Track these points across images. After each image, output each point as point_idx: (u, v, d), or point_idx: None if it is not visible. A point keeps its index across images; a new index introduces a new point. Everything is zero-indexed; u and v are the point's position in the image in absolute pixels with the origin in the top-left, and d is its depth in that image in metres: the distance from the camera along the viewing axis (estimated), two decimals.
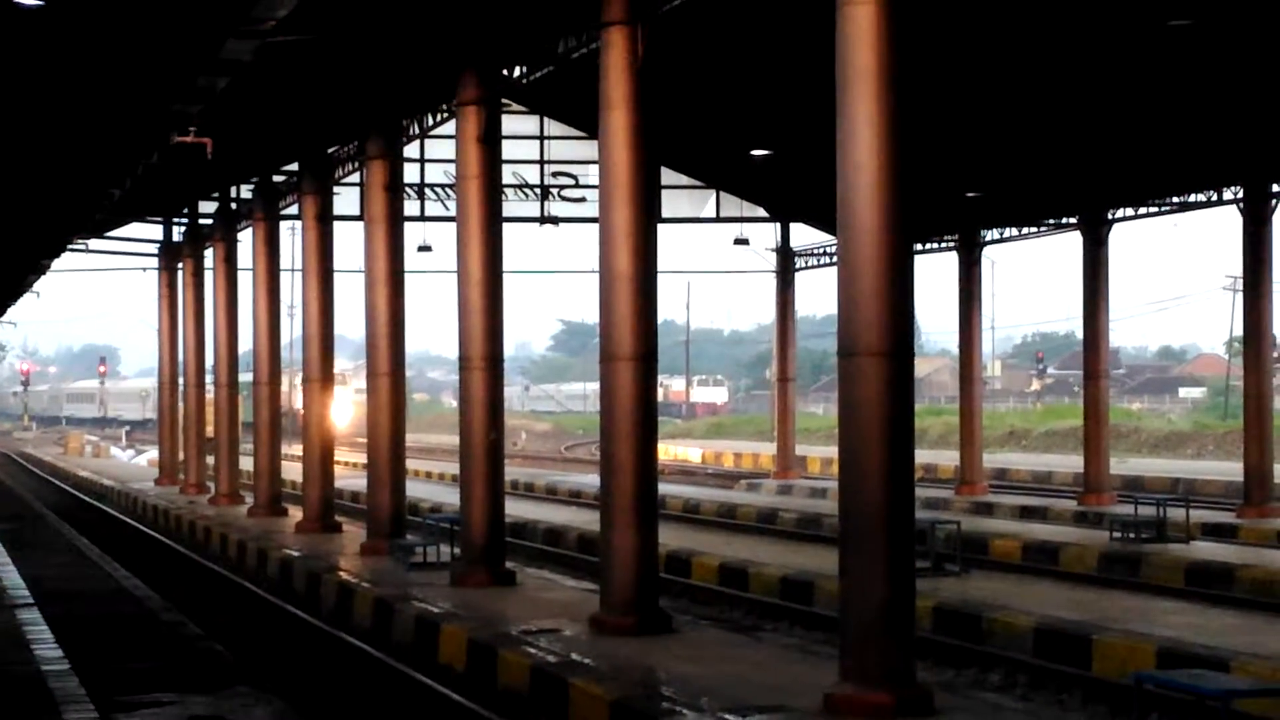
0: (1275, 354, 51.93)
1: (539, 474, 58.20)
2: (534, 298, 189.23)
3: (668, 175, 43.15)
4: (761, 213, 47.33)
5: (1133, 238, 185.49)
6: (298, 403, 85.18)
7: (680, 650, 18.32)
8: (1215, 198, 37.09)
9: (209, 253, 44.55)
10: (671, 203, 44.43)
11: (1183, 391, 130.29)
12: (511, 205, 41.60)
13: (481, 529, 24.25)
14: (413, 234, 40.52)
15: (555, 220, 44.24)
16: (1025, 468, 57.35)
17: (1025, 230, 43.42)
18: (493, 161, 24.20)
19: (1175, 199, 38.45)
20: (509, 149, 30.37)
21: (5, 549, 31.54)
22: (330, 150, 33.61)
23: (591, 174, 41.25)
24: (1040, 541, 30.58)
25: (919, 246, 44.04)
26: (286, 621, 23.47)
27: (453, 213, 27.27)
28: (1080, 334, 43.18)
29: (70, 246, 45.43)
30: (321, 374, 34.11)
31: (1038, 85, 30.91)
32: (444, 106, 28.59)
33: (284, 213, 38.78)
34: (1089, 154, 35.52)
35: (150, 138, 25.65)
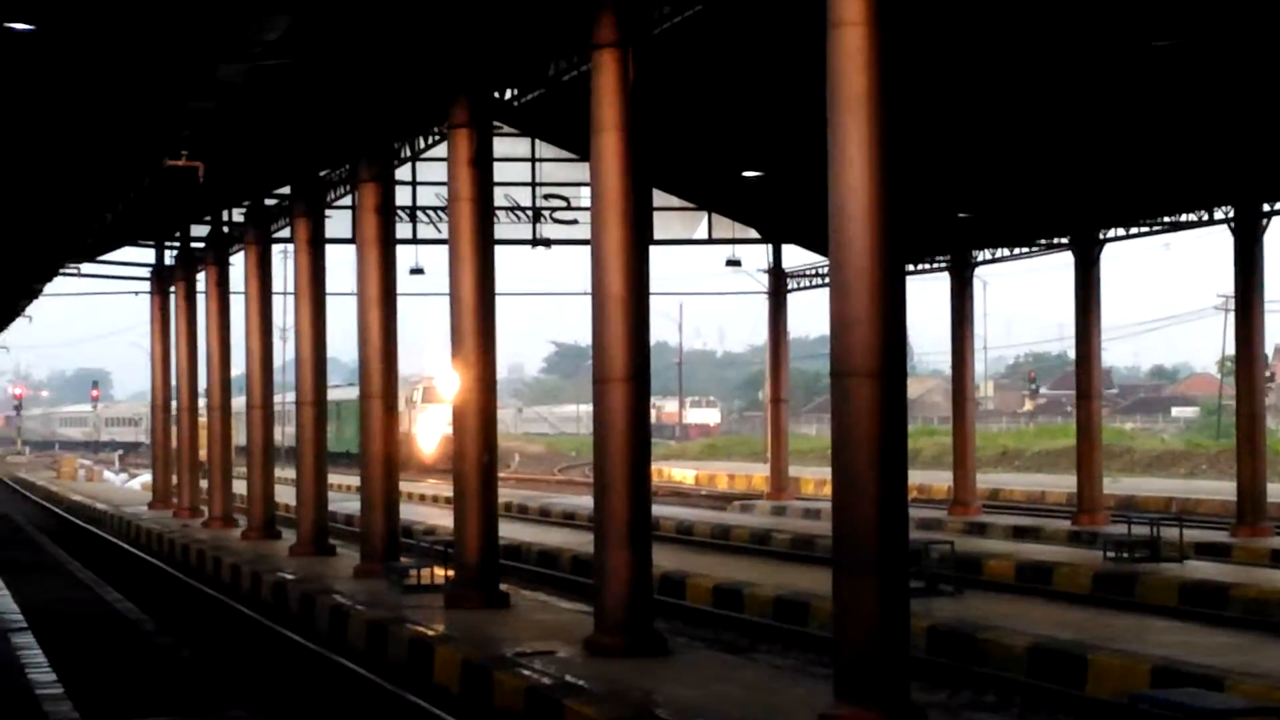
0: (1267, 373, 52.01)
1: (533, 496, 58.16)
2: (527, 320, 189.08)
3: (659, 197, 43.20)
4: (753, 234, 47.36)
5: (1124, 258, 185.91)
6: (412, 425, 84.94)
7: (674, 672, 18.31)
8: (1206, 217, 37.09)
9: (201, 276, 44.55)
10: (663, 224, 44.44)
11: (1175, 411, 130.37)
12: (503, 227, 41.70)
13: (475, 551, 24.22)
14: (405, 256, 40.50)
15: (547, 242, 44.28)
16: (1018, 488, 57.35)
17: (1017, 251, 43.44)
18: (484, 184, 24.20)
19: (1166, 219, 38.46)
20: (501, 171, 30.40)
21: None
22: (322, 173, 33.63)
23: (583, 196, 41.35)
24: (1034, 562, 30.55)
25: (911, 267, 44.10)
26: (280, 644, 23.44)
27: (445, 235, 27.27)
28: (1073, 354, 43.18)
29: (62, 270, 45.50)
30: (315, 397, 34.07)
31: (1028, 106, 30.97)
32: (435, 129, 28.62)
33: (276, 236, 38.77)
34: (1080, 174, 35.57)
35: (142, 161, 25.71)
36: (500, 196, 40.19)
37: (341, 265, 37.68)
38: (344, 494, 51.80)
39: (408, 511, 44.74)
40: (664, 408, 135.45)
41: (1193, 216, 37.54)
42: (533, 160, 43.61)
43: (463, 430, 24.30)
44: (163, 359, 50.90)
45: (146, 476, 69.27)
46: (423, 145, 29.79)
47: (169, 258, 48.79)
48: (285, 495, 42.41)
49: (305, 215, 33.52)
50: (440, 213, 42.24)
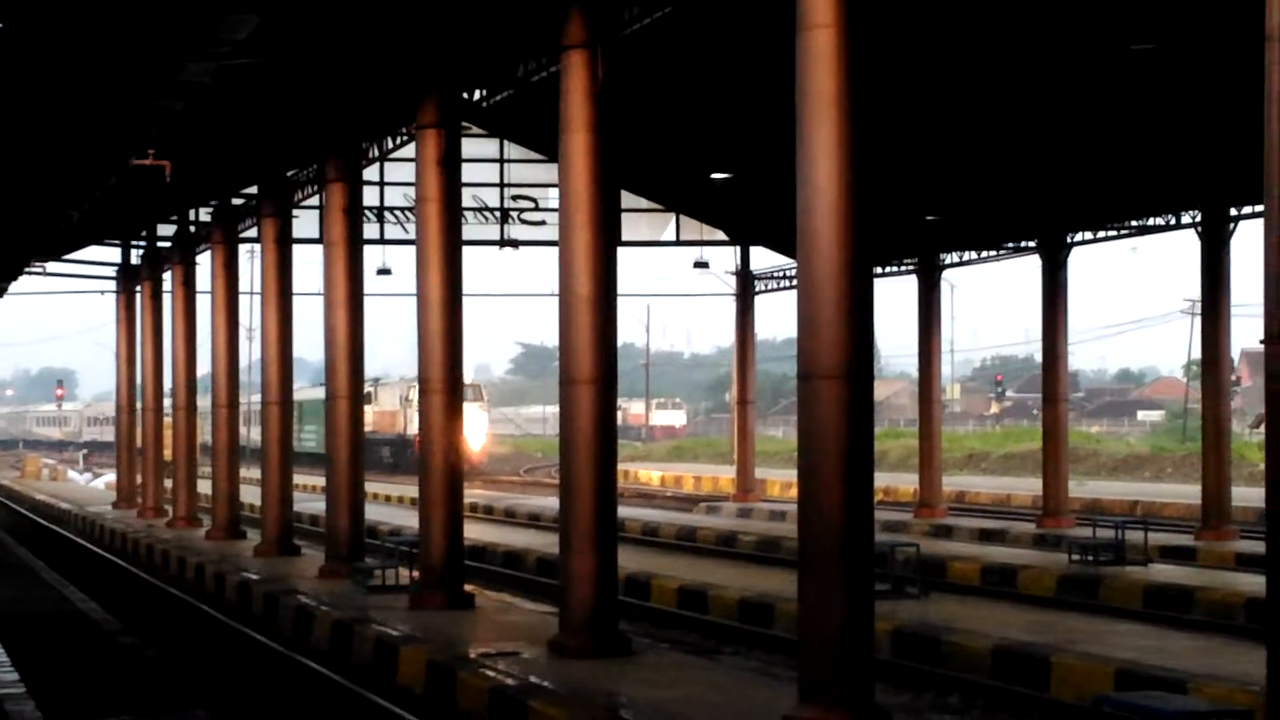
0: (1233, 377, 52.18)
1: (498, 497, 58.10)
2: (493, 321, 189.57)
3: (628, 198, 43.20)
4: (721, 236, 47.39)
5: (1092, 261, 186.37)
6: (406, 425, 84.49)
7: (639, 673, 18.31)
8: (1174, 221, 37.20)
9: (167, 275, 44.43)
10: (631, 226, 44.41)
11: (1141, 414, 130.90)
12: (471, 228, 41.61)
13: (440, 552, 24.19)
14: (372, 257, 40.49)
15: (515, 243, 44.24)
16: (984, 490, 57.46)
17: (985, 254, 43.54)
18: (452, 185, 24.17)
19: (1134, 223, 38.55)
20: (469, 172, 30.35)
21: None
22: (289, 173, 33.55)
23: (552, 197, 41.33)
24: (999, 564, 30.62)
25: (878, 269, 44.14)
26: (244, 645, 23.38)
27: (412, 236, 27.27)
28: (1039, 357, 43.28)
29: (27, 269, 45.36)
30: (280, 397, 33.98)
31: (998, 108, 31.03)
32: (404, 129, 28.57)
33: (243, 235, 38.68)
34: (1048, 178, 35.65)
35: (109, 160, 25.63)
36: (468, 197, 40.12)
37: (308, 265, 37.63)
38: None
39: (381, 512, 44.70)
40: (630, 409, 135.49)
41: (1160, 220, 37.65)
42: (501, 161, 43.58)
43: (429, 431, 24.28)
44: (128, 358, 50.73)
45: (111, 476, 69.02)
46: (391, 145, 29.74)
47: (135, 257, 48.61)
48: (251, 495, 42.31)
49: (272, 215, 33.43)
50: (408, 213, 42.18)
